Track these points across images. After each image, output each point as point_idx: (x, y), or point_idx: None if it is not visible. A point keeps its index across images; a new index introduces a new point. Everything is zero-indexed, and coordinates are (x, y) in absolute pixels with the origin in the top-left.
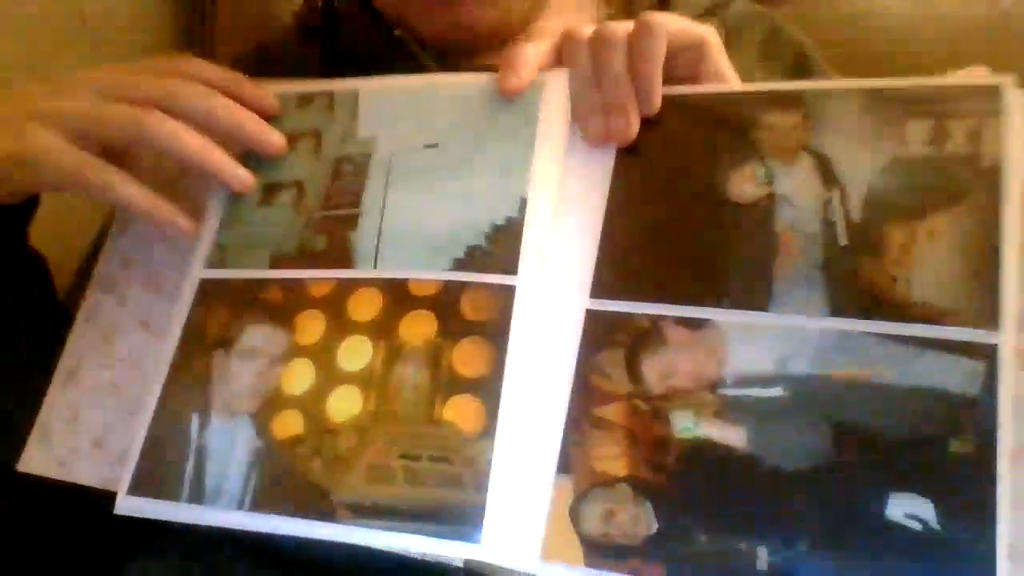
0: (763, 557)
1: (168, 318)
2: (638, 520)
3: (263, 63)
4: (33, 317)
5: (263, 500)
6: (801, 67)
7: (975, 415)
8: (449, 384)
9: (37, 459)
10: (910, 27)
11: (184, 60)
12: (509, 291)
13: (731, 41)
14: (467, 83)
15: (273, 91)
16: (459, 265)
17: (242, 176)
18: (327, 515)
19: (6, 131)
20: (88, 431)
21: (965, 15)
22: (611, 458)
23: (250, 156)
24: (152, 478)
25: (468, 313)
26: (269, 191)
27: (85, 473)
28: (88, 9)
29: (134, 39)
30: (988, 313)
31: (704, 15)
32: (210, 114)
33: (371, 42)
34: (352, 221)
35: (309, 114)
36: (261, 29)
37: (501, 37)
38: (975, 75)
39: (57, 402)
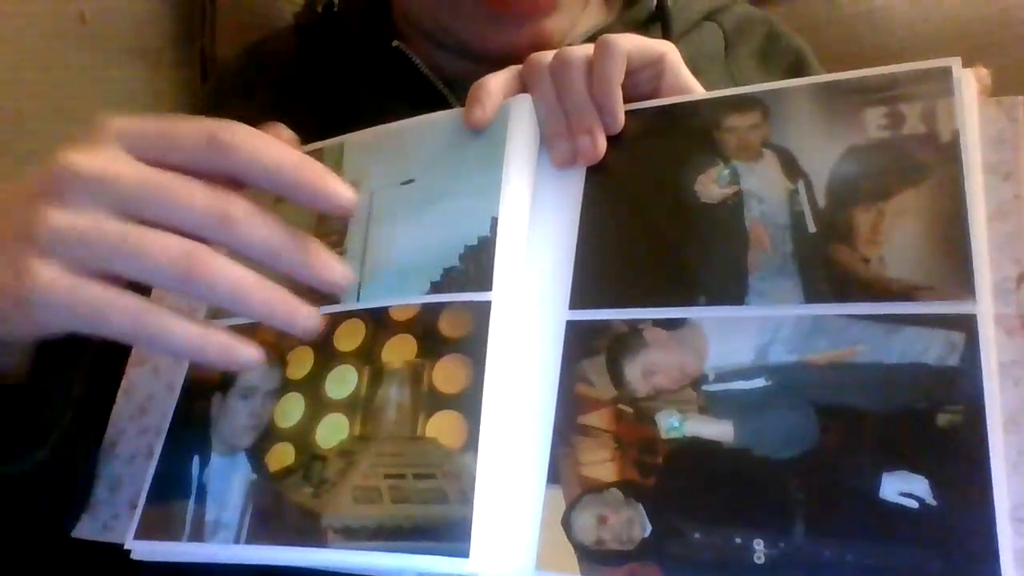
0: (760, 549)
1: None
2: (631, 523)
3: (254, 63)
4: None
5: (258, 532)
6: (799, 71)
7: (960, 386)
8: (430, 401)
9: (86, 526)
10: (910, 27)
11: (230, 135)
12: (485, 307)
13: (729, 46)
14: (438, 119)
15: None
16: (436, 288)
17: (309, 321)
18: (318, 541)
19: (5, 261)
20: (127, 495)
21: (965, 15)
22: (600, 464)
23: None
24: (157, 520)
25: (446, 331)
26: None
27: (125, 534)
28: (88, 9)
29: (134, 39)
30: (962, 283)
31: (703, 20)
32: (271, 251)
33: (367, 51)
34: None
35: None
36: (262, 29)
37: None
38: (976, 75)
39: (102, 473)
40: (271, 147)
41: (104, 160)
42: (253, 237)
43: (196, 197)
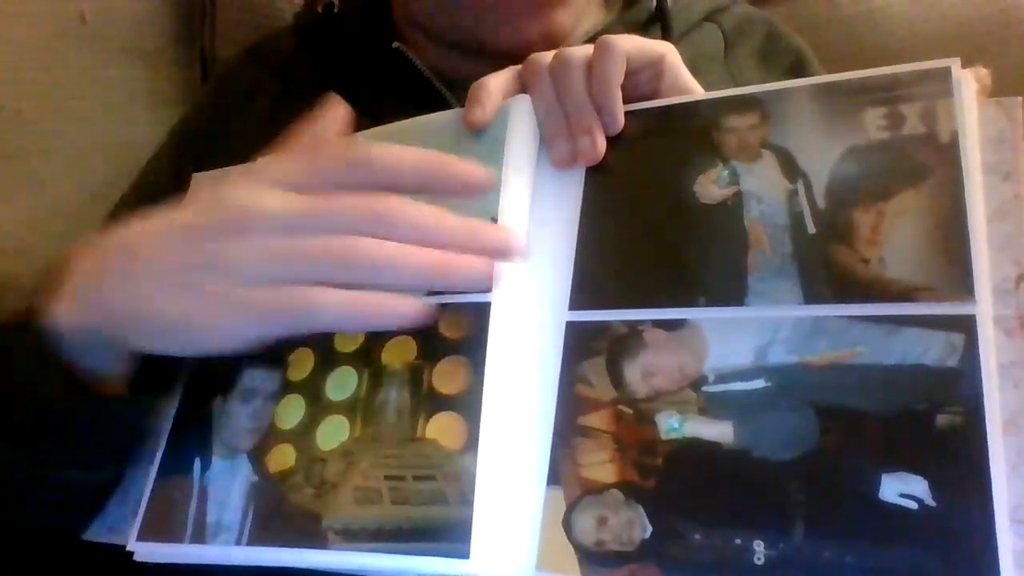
0: (760, 550)
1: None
2: (631, 524)
3: (254, 63)
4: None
5: (259, 533)
6: (799, 71)
7: (959, 387)
8: (430, 403)
9: (91, 528)
10: (910, 27)
11: (362, 149)
12: (484, 308)
13: (729, 46)
14: (438, 119)
15: None
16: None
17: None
18: (318, 542)
19: (187, 287)
20: (134, 500)
21: (965, 15)
22: (600, 465)
23: None
24: (159, 522)
25: (446, 332)
26: None
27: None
28: (88, 9)
29: (134, 39)
30: (961, 284)
31: (702, 20)
32: (425, 235)
33: (367, 51)
34: None
35: None
36: (262, 29)
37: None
38: (976, 75)
39: None
40: (400, 150)
41: (268, 198)
42: (416, 223)
43: (348, 204)
